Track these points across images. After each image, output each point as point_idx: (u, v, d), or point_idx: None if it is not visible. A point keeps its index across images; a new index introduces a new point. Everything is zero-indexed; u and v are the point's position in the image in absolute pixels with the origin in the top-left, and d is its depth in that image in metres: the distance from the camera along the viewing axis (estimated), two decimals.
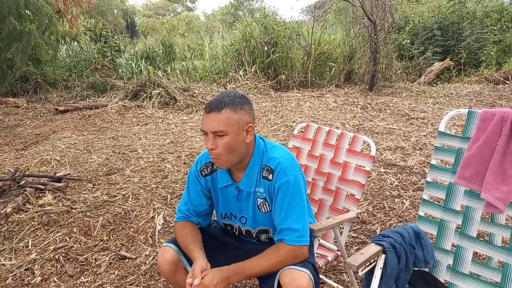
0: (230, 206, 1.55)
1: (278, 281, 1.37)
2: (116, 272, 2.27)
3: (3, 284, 2.21)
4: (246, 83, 7.73)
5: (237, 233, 1.60)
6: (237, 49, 8.80)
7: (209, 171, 1.55)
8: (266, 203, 1.48)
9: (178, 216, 1.60)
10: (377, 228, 2.54)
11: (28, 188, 3.24)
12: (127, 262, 2.36)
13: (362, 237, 2.45)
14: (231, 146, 1.34)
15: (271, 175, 1.42)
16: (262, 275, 1.41)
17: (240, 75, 8.00)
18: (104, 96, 7.61)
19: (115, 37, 12.86)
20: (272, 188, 1.43)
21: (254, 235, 1.56)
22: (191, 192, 1.58)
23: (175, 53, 11.51)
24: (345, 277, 2.10)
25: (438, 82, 7.90)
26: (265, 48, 8.12)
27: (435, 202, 1.66)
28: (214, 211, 1.65)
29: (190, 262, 1.50)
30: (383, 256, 1.49)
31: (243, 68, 8.31)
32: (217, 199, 1.58)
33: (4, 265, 2.38)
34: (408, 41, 8.98)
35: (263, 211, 1.49)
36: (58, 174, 3.59)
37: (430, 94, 6.49)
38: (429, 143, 4.00)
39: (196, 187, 1.57)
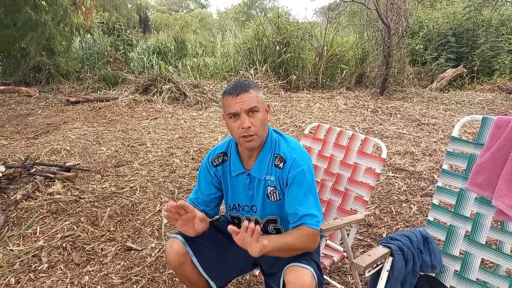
0: (240, 196, 1.56)
1: (283, 279, 1.38)
2: (122, 263, 2.29)
3: (10, 269, 2.25)
4: (257, 82, 7.72)
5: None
6: (249, 47, 8.80)
7: (220, 161, 1.58)
8: (276, 192, 1.49)
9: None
10: (383, 232, 2.53)
11: (38, 176, 3.28)
12: (132, 253, 2.38)
13: (368, 240, 2.44)
14: (263, 121, 1.42)
15: (282, 163, 1.45)
16: (281, 252, 1.38)
17: (251, 74, 8.00)
18: (115, 89, 7.66)
19: (128, 31, 12.93)
20: (284, 177, 1.45)
21: (261, 225, 1.57)
22: (201, 182, 1.62)
23: (187, 49, 11.54)
24: (350, 279, 2.09)
25: (450, 89, 7.83)
26: (277, 47, 8.12)
27: (445, 208, 1.65)
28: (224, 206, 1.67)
29: (196, 254, 1.52)
30: (391, 258, 1.48)
31: (254, 66, 8.31)
32: (227, 190, 1.59)
33: (12, 250, 2.41)
34: (422, 46, 8.91)
35: (273, 200, 1.51)
36: (67, 164, 3.63)
37: (442, 101, 6.44)
38: (439, 149, 3.97)
39: (206, 177, 1.60)
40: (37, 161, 3.65)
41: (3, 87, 7.48)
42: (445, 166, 1.66)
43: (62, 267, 2.25)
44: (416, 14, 9.97)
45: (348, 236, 1.82)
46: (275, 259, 1.50)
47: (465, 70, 8.11)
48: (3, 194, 3.00)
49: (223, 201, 1.68)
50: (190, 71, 8.87)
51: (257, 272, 1.65)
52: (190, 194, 1.68)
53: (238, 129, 1.40)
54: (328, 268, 2.04)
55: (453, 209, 1.60)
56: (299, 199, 1.41)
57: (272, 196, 1.50)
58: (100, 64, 8.84)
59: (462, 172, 1.59)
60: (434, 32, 9.04)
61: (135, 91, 7.26)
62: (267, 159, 1.48)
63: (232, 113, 1.40)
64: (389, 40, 6.75)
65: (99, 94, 7.31)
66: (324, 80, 8.00)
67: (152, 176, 3.48)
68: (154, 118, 5.67)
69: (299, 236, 1.37)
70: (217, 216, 1.72)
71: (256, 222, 1.55)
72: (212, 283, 1.57)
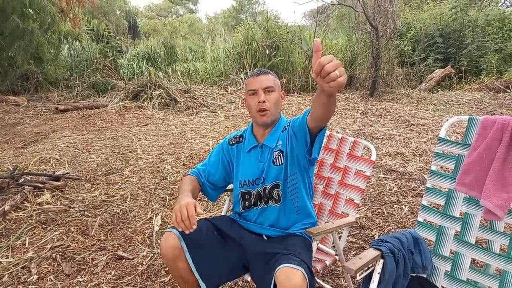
0: (252, 171, 1.68)
1: (274, 281, 1.38)
2: (113, 272, 2.26)
3: None
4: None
5: (253, 201, 1.68)
6: (238, 52, 8.83)
7: (236, 141, 1.77)
8: (281, 155, 1.63)
9: (191, 171, 1.77)
10: (375, 234, 2.53)
11: (27, 187, 3.23)
12: (124, 262, 2.35)
13: (361, 242, 2.44)
14: (277, 101, 1.64)
15: (288, 125, 1.65)
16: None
17: (242, 78, 8.01)
18: (104, 96, 7.61)
19: (117, 37, 12.88)
20: (289, 131, 1.62)
21: (268, 191, 1.66)
22: (212, 157, 1.78)
23: (176, 55, 11.53)
24: (343, 282, 2.09)
25: (439, 89, 7.92)
26: (267, 51, 8.15)
27: (434, 208, 1.66)
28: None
29: (191, 251, 1.53)
30: (382, 261, 1.48)
31: (244, 71, 8.33)
32: (238, 168, 1.73)
33: (0, 262, 2.36)
34: (410, 47, 9.01)
35: (277, 164, 1.63)
36: (57, 173, 3.59)
37: (431, 101, 6.50)
38: (429, 150, 4.00)
39: (218, 153, 1.77)
40: (25, 170, 3.61)
41: None
42: (433, 167, 1.67)
43: (52, 278, 2.22)
44: (404, 15, 10.09)
45: (339, 239, 1.82)
46: (265, 262, 1.50)
47: (453, 70, 8.22)
48: None
49: (230, 188, 1.83)
50: (180, 77, 8.85)
51: (249, 278, 1.64)
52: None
53: (255, 104, 1.61)
54: (321, 272, 2.03)
55: (442, 210, 1.61)
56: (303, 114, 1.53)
57: (277, 160, 1.64)
58: (89, 71, 8.79)
59: (451, 173, 1.61)
60: (422, 33, 9.16)
61: (125, 98, 7.22)
62: (279, 131, 1.67)
63: (252, 90, 1.63)
64: (377, 42, 6.81)
65: (89, 101, 7.25)
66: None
67: (143, 183, 3.45)
68: (145, 125, 5.64)
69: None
70: (220, 215, 1.76)
71: (265, 190, 1.67)
72: (202, 284, 1.56)
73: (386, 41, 7.06)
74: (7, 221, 2.80)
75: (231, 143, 1.77)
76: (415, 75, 8.72)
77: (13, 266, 2.33)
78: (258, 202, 1.69)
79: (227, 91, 7.63)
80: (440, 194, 1.63)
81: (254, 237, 1.67)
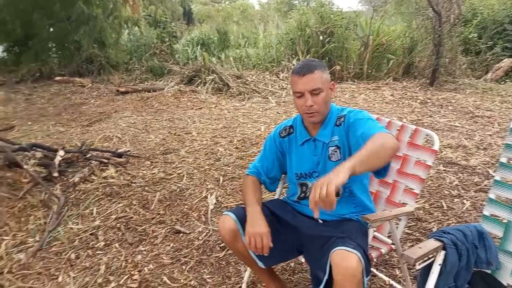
0: (306, 164, 1.65)
1: (330, 263, 1.39)
2: (171, 245, 2.40)
3: (71, 246, 2.43)
4: None
5: (308, 193, 1.67)
6: (291, 38, 8.72)
7: (287, 133, 1.72)
8: (338, 151, 1.59)
9: (250, 170, 1.78)
10: (433, 227, 2.45)
11: (93, 161, 3.48)
12: (181, 236, 2.48)
13: (417, 235, 2.38)
14: (325, 100, 1.56)
15: (342, 119, 1.59)
16: (370, 161, 1.31)
17: (294, 64, 7.94)
18: (161, 80, 7.91)
19: (173, 23, 13.23)
20: (345, 128, 1.57)
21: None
22: (266, 152, 1.77)
23: (229, 41, 11.64)
24: (397, 272, 2.06)
25: (507, 80, 7.33)
26: (321, 37, 7.98)
27: (503, 203, 1.57)
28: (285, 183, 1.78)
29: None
30: (443, 252, 1.44)
31: (297, 57, 8.24)
32: (292, 160, 1.70)
33: (72, 228, 2.60)
34: (475, 35, 8.38)
35: (334, 160, 1.59)
36: (119, 150, 3.83)
37: (498, 92, 6.06)
38: (494, 143, 3.75)
39: (271, 149, 1.75)
40: (91, 147, 3.88)
41: (59, 78, 7.96)
42: (503, 159, 1.58)
43: (117, 246, 2.40)
44: (469, 1, 9.38)
45: (396, 228, 1.79)
46: (321, 245, 1.52)
47: None
48: (62, 177, 3.23)
49: (285, 177, 1.83)
50: (232, 62, 8.95)
51: (303, 259, 1.67)
52: (248, 167, 1.80)
53: (302, 106, 1.55)
54: (375, 260, 2.01)
55: (511, 204, 1.53)
56: (362, 127, 1.48)
57: (334, 156, 1.60)
58: (147, 55, 9.15)
59: None
60: (489, 20, 8.47)
61: (180, 82, 7.46)
62: (332, 123, 1.61)
63: (298, 92, 1.54)
64: (440, 29, 6.42)
65: (146, 84, 7.58)
66: (370, 71, 7.77)
67: (198, 164, 3.58)
68: (199, 108, 5.81)
69: (377, 139, 1.35)
70: (274, 199, 1.79)
71: None
72: (259, 263, 1.63)
73: (449, 28, 6.63)
74: (77, 192, 3.05)
75: (282, 135, 1.73)
76: (481, 64, 8.12)
77: (82, 232, 2.55)
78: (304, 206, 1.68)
79: (279, 77, 7.61)
80: (509, 188, 1.55)
81: (309, 221, 1.68)
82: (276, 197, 1.98)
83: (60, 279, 2.17)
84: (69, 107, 6.19)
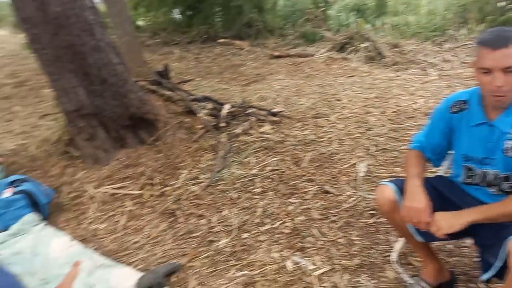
0: (477, 148, 1.51)
1: (508, 249, 1.28)
2: (320, 202, 2.53)
3: (233, 187, 2.79)
4: (466, 44, 6.73)
5: (475, 179, 1.55)
6: (463, 3, 7.66)
7: (458, 109, 1.54)
8: None
9: (414, 145, 1.70)
10: None
11: (252, 117, 3.82)
12: (330, 196, 2.59)
13: None
14: None
15: None
16: (493, 220, 1.39)
17: (463, 34, 7.00)
18: (312, 46, 7.98)
19: None
20: None
21: (496, 180, 1.49)
22: (434, 127, 1.65)
23: (387, 7, 10.87)
24: None
25: None
26: (500, 3, 6.78)
27: None
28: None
29: None
30: None
31: (467, 26, 7.22)
32: (460, 140, 1.55)
33: (234, 173, 2.96)
34: None
35: (509, 155, 1.41)
36: (274, 110, 4.09)
37: None
38: None
39: (439, 124, 1.62)
40: (250, 104, 4.24)
41: (222, 40, 8.78)
42: None
43: (272, 194, 2.65)
44: None
45: None
46: (496, 230, 1.40)
47: None
48: (227, 127, 3.65)
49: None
50: (389, 30, 8.38)
51: (468, 241, 1.57)
52: (412, 141, 1.73)
53: (488, 85, 1.33)
54: None
55: None
56: None
57: (509, 152, 1.41)
58: (301, 21, 9.28)
59: None
60: None
61: (332, 49, 7.37)
62: None
63: (485, 68, 1.32)
64: None
65: (298, 50, 7.76)
66: None
67: (348, 131, 3.59)
68: (350, 76, 5.70)
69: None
70: (439, 175, 1.71)
71: (495, 177, 1.48)
72: (418, 237, 1.59)
73: None
74: (238, 142, 3.43)
75: (453, 110, 1.55)
76: None
77: (243, 177, 2.89)
78: (480, 185, 1.54)
79: (442, 48, 6.84)
80: None
81: (479, 203, 1.55)
82: (440, 173, 1.87)
83: (224, 213, 2.54)
84: (230, 67, 6.82)
